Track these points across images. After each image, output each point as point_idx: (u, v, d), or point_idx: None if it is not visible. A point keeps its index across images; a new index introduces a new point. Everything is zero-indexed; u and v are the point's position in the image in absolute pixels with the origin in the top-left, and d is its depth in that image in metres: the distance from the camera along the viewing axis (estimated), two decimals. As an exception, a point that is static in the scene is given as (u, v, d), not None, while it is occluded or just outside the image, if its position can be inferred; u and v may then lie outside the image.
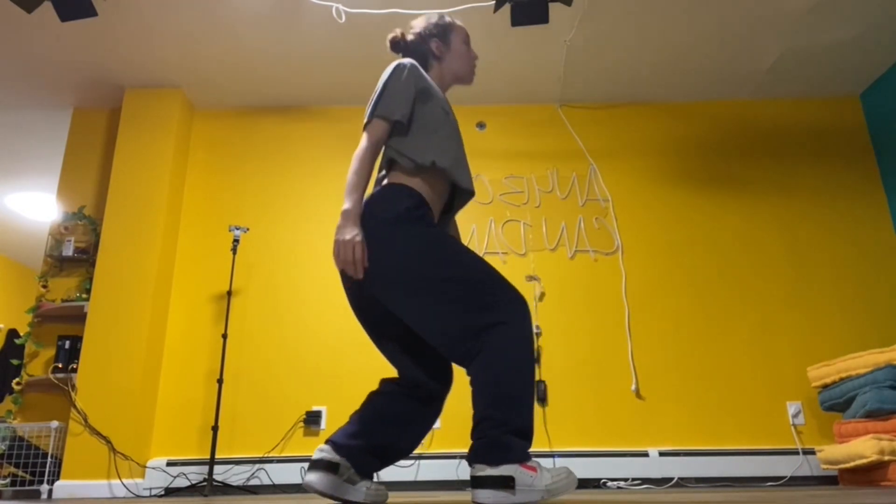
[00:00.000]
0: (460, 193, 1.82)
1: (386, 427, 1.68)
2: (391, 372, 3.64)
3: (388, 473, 3.41)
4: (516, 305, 1.55)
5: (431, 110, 1.74)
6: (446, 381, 1.75)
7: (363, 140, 1.67)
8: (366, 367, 3.66)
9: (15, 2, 2.64)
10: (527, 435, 1.52)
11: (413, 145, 1.69)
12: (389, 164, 1.74)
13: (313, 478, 1.57)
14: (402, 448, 1.70)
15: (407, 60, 1.77)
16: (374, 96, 1.71)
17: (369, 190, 1.76)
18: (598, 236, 3.94)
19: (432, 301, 1.55)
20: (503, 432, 1.49)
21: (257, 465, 3.44)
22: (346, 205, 1.60)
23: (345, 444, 1.63)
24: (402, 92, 1.70)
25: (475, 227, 3.95)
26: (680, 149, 4.13)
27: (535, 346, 3.67)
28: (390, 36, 1.92)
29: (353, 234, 1.58)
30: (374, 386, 3.88)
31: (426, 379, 1.71)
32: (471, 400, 1.58)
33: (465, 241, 3.94)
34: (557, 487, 1.48)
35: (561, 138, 4.16)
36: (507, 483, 1.45)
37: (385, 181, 1.71)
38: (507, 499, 1.43)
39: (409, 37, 1.92)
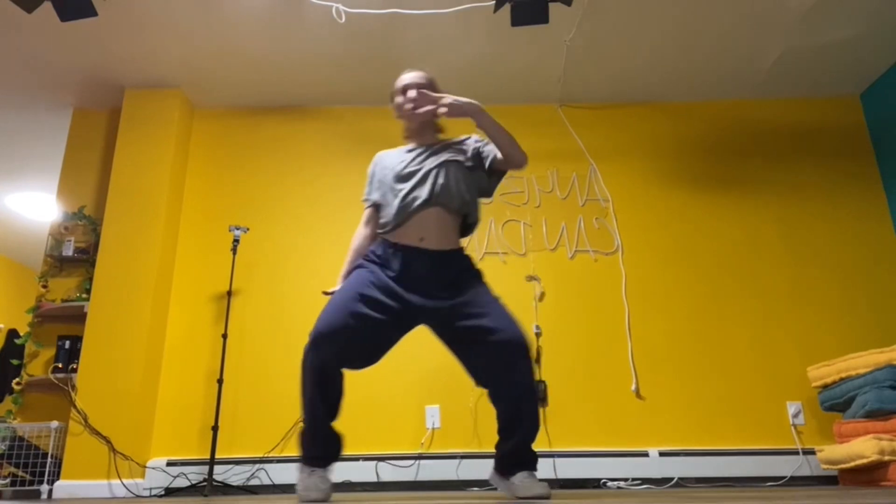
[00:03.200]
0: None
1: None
2: (390, 371, 3.64)
3: (389, 473, 3.41)
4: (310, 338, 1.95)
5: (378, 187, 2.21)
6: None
7: None
8: (364, 367, 3.66)
9: (15, 2, 2.64)
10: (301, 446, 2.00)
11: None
12: None
13: None
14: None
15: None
16: None
17: None
18: (598, 236, 3.94)
19: None
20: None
21: (257, 465, 3.44)
22: None
23: None
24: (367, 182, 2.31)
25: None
26: (680, 149, 4.13)
27: (536, 346, 3.67)
28: None
29: None
30: (374, 386, 3.89)
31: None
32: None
33: (464, 241, 3.93)
34: (303, 488, 1.92)
35: (561, 138, 4.16)
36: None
37: None
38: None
39: None
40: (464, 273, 2.10)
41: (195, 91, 4.10)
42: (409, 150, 2.21)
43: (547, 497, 1.89)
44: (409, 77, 2.22)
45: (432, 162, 2.13)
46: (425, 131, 2.24)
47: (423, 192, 2.06)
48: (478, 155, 2.22)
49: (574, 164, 4.10)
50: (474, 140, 2.27)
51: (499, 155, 2.15)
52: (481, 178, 2.22)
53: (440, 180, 2.09)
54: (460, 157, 2.17)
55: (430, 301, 2.01)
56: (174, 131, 3.95)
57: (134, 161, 3.88)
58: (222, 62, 3.82)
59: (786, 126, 4.17)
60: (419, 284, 2.02)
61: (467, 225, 2.22)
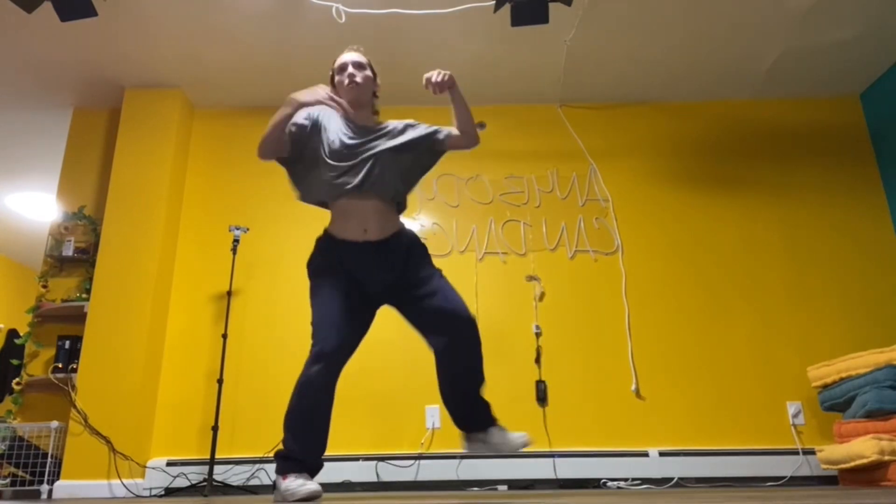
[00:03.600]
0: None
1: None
2: (390, 371, 3.64)
3: (389, 473, 3.41)
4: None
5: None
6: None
7: None
8: (365, 367, 3.66)
9: (15, 2, 2.64)
10: (286, 457, 2.10)
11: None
12: None
13: None
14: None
15: None
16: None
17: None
18: (598, 236, 3.94)
19: None
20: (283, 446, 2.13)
21: (257, 465, 3.44)
22: None
23: None
24: None
25: (475, 227, 3.95)
26: (680, 149, 4.13)
27: (536, 346, 3.68)
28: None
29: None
30: (374, 386, 3.89)
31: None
32: None
33: (464, 241, 3.94)
34: (292, 493, 1.97)
35: (561, 138, 4.16)
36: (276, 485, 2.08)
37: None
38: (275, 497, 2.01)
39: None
40: (410, 252, 2.14)
41: (195, 91, 4.10)
42: (350, 127, 2.17)
43: (528, 444, 2.07)
44: (351, 56, 2.24)
45: (370, 149, 2.12)
46: (363, 111, 2.23)
47: (356, 179, 2.07)
48: (427, 137, 2.22)
49: (574, 164, 4.10)
50: (423, 126, 2.25)
51: (454, 133, 2.20)
52: (423, 159, 2.25)
53: (375, 170, 2.09)
54: (397, 143, 2.17)
55: (385, 285, 2.11)
56: (174, 131, 3.95)
57: (134, 161, 3.88)
58: (222, 62, 3.82)
59: (786, 126, 4.16)
60: (372, 273, 2.09)
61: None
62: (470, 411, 2.14)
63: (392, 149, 2.14)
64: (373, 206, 2.09)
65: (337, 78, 2.23)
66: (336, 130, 2.13)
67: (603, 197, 4.03)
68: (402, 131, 2.22)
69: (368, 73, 2.26)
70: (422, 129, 2.24)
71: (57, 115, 4.27)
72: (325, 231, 2.17)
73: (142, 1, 3.31)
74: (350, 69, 2.19)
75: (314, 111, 2.17)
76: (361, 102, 2.22)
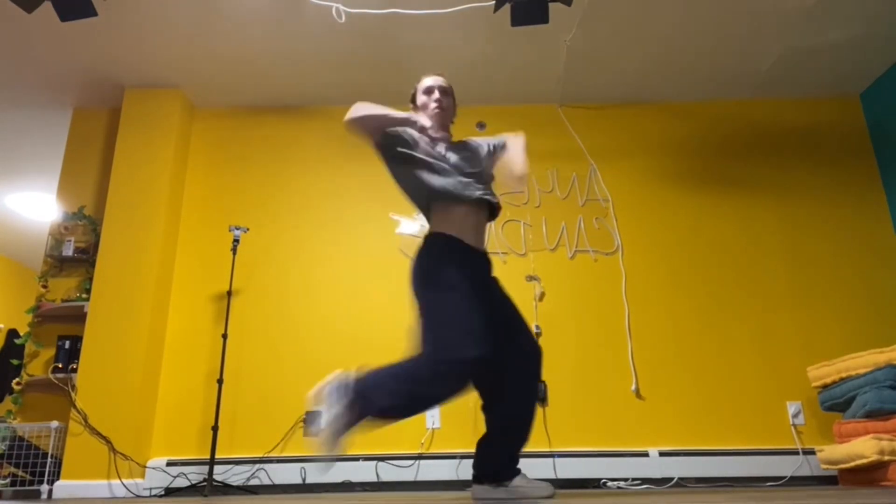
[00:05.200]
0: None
1: None
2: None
3: (389, 473, 3.41)
4: None
5: None
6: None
7: None
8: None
9: (15, 2, 2.64)
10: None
11: None
12: None
13: None
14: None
15: None
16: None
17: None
18: (598, 236, 3.94)
19: None
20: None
21: (257, 465, 3.44)
22: None
23: None
24: None
25: (475, 227, 3.95)
26: (680, 149, 4.13)
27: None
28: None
29: None
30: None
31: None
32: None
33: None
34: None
35: (561, 138, 4.16)
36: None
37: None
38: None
39: None
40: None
41: (195, 91, 4.10)
42: (449, 146, 2.25)
43: (552, 496, 1.98)
44: (435, 80, 2.31)
45: (469, 162, 2.21)
46: (443, 135, 2.31)
47: (478, 190, 2.14)
48: (491, 155, 2.32)
49: (574, 164, 4.10)
50: (488, 143, 2.35)
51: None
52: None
53: (488, 188, 2.20)
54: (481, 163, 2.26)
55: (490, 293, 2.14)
56: (174, 131, 3.95)
57: (134, 161, 3.88)
58: (222, 62, 3.82)
59: (786, 126, 4.16)
60: (486, 285, 2.14)
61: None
62: (510, 460, 2.12)
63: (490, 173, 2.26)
64: (485, 221, 2.20)
65: (422, 99, 2.29)
66: (442, 146, 2.21)
67: (603, 197, 4.03)
68: (479, 146, 2.32)
69: (452, 100, 2.33)
70: (489, 145, 2.34)
71: (57, 115, 4.27)
72: (445, 233, 2.13)
73: (142, 1, 3.31)
74: (437, 94, 2.26)
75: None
76: (445, 126, 2.30)
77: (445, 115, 2.27)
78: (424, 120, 2.16)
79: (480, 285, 2.05)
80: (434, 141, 2.20)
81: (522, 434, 2.09)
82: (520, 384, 2.07)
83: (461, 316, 1.88)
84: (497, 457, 2.10)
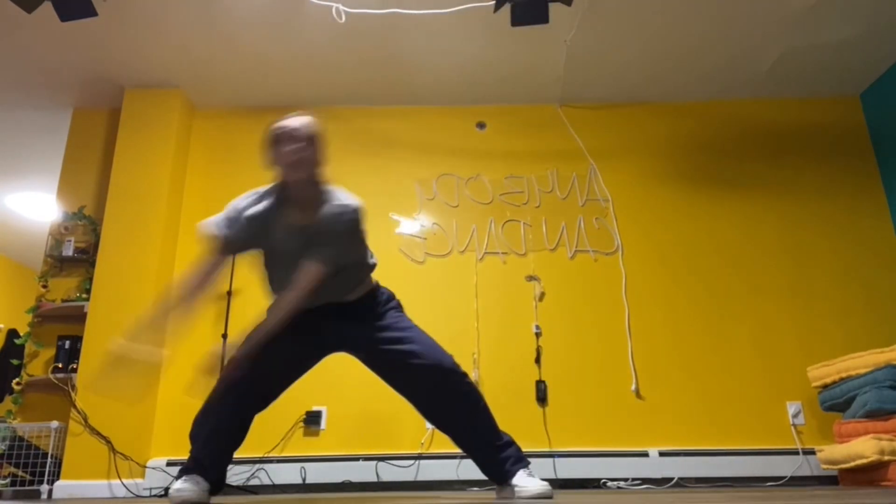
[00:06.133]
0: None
1: None
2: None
3: (388, 473, 3.41)
4: None
5: None
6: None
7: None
8: (365, 367, 3.65)
9: (15, 2, 2.64)
10: None
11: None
12: None
13: None
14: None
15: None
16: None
17: None
18: (598, 236, 3.94)
19: None
20: None
21: (257, 465, 3.43)
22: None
23: None
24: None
25: (475, 227, 3.95)
26: (680, 149, 4.13)
27: (536, 346, 3.67)
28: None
29: None
30: (374, 386, 3.88)
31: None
32: None
33: (464, 241, 3.94)
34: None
35: (561, 138, 4.16)
36: None
37: None
38: None
39: None
40: (377, 308, 2.12)
41: (195, 91, 4.10)
42: (284, 216, 2.02)
43: (550, 496, 1.94)
44: (295, 122, 2.02)
45: (302, 239, 1.98)
46: (308, 187, 2.02)
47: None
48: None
49: (574, 164, 4.10)
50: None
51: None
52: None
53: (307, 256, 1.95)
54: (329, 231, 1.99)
55: (346, 331, 2.08)
56: (174, 131, 3.95)
57: (134, 161, 3.87)
58: (222, 62, 3.82)
59: (786, 126, 4.16)
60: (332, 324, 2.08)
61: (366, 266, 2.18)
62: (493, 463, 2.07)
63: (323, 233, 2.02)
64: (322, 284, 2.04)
65: (279, 147, 2.02)
66: (267, 219, 2.11)
67: (603, 197, 4.03)
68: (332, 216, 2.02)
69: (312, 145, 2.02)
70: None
71: (57, 115, 4.27)
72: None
73: (142, 1, 3.31)
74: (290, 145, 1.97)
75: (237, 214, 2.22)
76: (307, 180, 2.03)
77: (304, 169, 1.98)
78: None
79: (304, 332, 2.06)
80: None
81: (473, 439, 2.08)
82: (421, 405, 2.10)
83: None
84: (478, 461, 2.10)
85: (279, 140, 2.00)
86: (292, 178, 1.99)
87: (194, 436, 2.05)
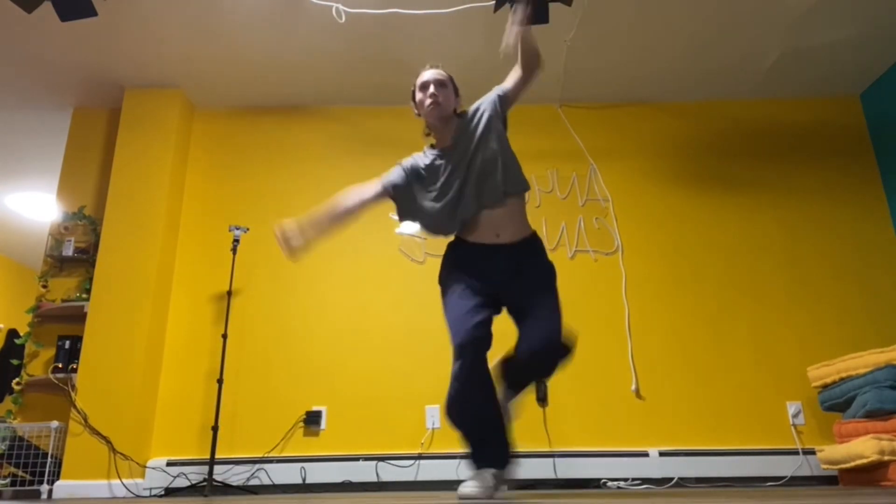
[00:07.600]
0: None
1: None
2: (390, 372, 3.64)
3: (388, 473, 3.41)
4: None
5: None
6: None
7: None
8: (366, 368, 3.66)
9: (15, 2, 2.63)
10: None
11: None
12: None
13: None
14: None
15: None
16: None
17: None
18: (598, 236, 3.94)
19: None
20: None
21: (257, 465, 3.44)
22: None
23: None
24: None
25: (475, 227, 3.95)
26: (680, 149, 4.13)
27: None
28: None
29: None
30: (374, 386, 3.88)
31: None
32: None
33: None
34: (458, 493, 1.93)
35: (561, 138, 4.16)
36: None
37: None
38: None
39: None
40: (533, 260, 2.28)
41: (195, 91, 4.10)
42: (437, 158, 2.25)
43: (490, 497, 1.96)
44: (430, 74, 2.28)
45: (463, 165, 2.20)
46: (447, 125, 2.27)
47: (470, 207, 2.15)
48: (496, 116, 2.35)
49: (574, 164, 4.10)
50: (489, 101, 2.37)
51: (508, 86, 2.41)
52: (501, 128, 2.36)
53: (481, 184, 2.17)
54: (490, 131, 2.28)
55: (504, 287, 2.18)
56: (174, 131, 3.95)
57: (134, 161, 3.88)
58: (222, 62, 3.82)
59: (786, 126, 4.16)
60: (497, 274, 2.15)
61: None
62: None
63: (485, 143, 2.26)
64: (499, 212, 2.18)
65: (418, 96, 2.28)
66: (427, 170, 2.25)
67: (603, 197, 4.03)
68: (480, 112, 2.31)
69: (450, 90, 2.31)
70: (487, 110, 2.33)
71: (57, 115, 4.27)
72: (451, 241, 2.27)
73: (142, 1, 3.32)
74: (431, 89, 2.24)
75: (406, 163, 2.28)
76: (444, 118, 2.26)
77: (442, 108, 2.25)
78: (407, 161, 2.25)
79: (491, 275, 2.12)
80: (426, 170, 2.23)
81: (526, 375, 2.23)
82: (521, 362, 2.15)
83: (452, 314, 2.06)
84: (511, 380, 2.21)
85: (416, 91, 2.29)
86: (431, 119, 2.26)
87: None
